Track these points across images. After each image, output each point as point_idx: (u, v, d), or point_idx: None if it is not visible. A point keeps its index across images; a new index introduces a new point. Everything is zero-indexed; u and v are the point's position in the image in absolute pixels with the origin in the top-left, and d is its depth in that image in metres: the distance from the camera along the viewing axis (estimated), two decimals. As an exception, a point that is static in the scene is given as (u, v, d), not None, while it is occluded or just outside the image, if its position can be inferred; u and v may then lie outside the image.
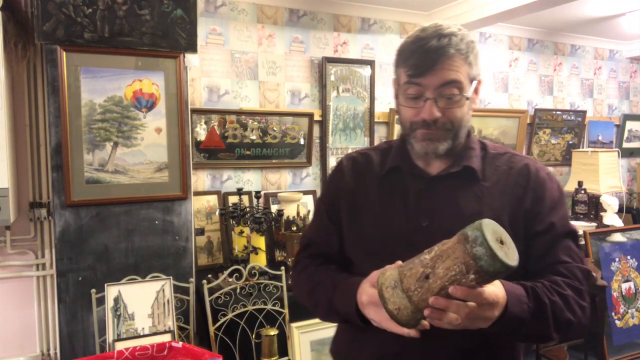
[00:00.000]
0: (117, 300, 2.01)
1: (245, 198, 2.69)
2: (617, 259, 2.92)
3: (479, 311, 0.82)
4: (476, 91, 1.04)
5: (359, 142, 3.12)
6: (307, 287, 1.13)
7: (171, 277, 2.11)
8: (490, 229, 0.77)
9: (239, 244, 2.44)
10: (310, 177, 3.05)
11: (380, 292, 0.85)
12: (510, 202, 1.03)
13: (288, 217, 2.60)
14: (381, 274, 0.88)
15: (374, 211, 1.09)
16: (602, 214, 3.36)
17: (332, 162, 3.04)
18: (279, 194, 2.83)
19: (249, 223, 2.41)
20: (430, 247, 0.83)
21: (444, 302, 0.79)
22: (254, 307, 2.18)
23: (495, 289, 0.85)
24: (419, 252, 0.85)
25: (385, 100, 3.21)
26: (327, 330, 2.18)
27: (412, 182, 1.07)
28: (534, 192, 1.04)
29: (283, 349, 2.19)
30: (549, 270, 1.00)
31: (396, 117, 3.21)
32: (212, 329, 2.11)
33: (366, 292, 0.95)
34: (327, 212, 1.17)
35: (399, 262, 0.89)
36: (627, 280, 2.91)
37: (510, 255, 0.77)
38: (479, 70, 1.02)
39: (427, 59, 0.96)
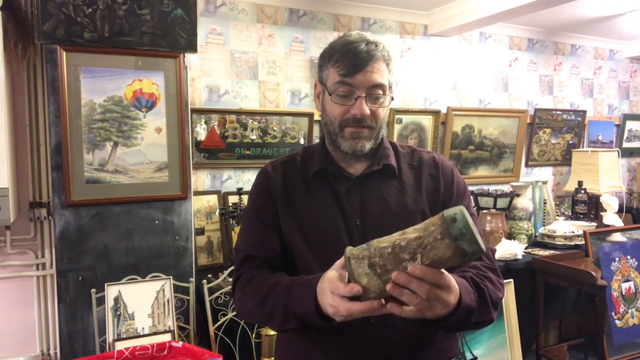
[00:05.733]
0: (117, 300, 2.01)
1: (245, 198, 2.69)
2: (617, 259, 2.92)
3: (437, 292, 0.84)
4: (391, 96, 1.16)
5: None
6: (257, 297, 1.05)
7: (171, 277, 2.12)
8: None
9: (239, 243, 2.43)
10: (310, 177, 3.04)
11: (347, 260, 0.85)
12: (427, 192, 1.15)
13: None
14: (349, 248, 0.88)
15: (309, 209, 1.13)
16: (602, 213, 3.36)
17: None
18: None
19: (249, 223, 2.41)
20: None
21: (406, 278, 0.81)
22: (254, 307, 2.18)
23: (449, 275, 0.88)
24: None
25: (385, 100, 3.20)
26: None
27: (339, 183, 1.14)
28: (445, 180, 1.17)
29: (283, 349, 2.18)
30: None
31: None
32: (212, 328, 2.11)
33: (327, 277, 0.91)
34: (261, 219, 1.15)
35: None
36: (627, 280, 2.91)
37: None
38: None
39: (359, 59, 1.05)
